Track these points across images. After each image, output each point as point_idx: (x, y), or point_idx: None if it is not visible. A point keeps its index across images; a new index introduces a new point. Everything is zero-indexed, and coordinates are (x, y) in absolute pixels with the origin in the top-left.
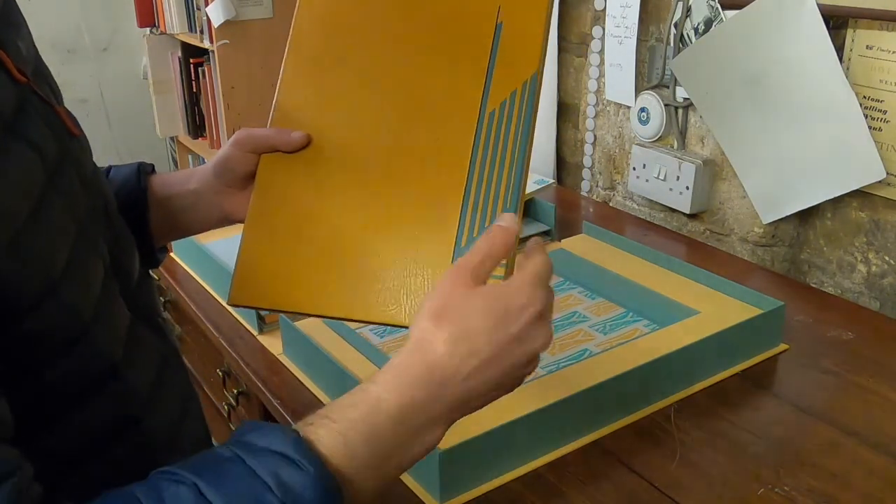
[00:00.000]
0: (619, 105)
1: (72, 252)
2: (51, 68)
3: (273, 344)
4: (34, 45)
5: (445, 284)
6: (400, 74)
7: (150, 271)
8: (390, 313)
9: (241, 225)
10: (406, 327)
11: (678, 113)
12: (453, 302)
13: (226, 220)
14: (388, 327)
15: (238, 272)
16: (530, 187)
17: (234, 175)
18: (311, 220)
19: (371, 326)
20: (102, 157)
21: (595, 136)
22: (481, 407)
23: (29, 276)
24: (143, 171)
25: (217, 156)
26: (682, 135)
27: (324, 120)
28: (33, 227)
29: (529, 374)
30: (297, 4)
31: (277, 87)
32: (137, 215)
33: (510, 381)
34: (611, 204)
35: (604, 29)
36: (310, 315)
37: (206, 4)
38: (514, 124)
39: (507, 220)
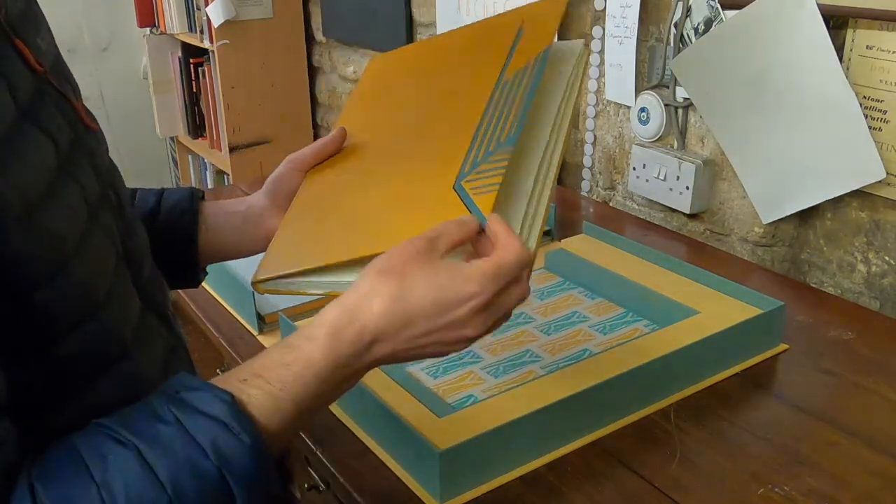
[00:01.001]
0: (619, 105)
1: (84, 232)
2: None
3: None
4: (55, 46)
5: (401, 246)
6: (432, 91)
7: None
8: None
9: None
10: None
11: (678, 113)
12: (402, 262)
13: (267, 241)
14: None
15: (266, 254)
16: None
17: (283, 192)
18: (335, 196)
19: None
20: None
21: (595, 136)
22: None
23: (42, 251)
24: (196, 195)
25: (270, 176)
26: (682, 135)
27: (365, 133)
28: (47, 204)
29: (458, 350)
30: (365, 69)
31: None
32: (187, 236)
33: (434, 353)
34: (611, 204)
35: (604, 29)
36: (320, 267)
37: (206, 4)
38: (525, 81)
39: (470, 219)
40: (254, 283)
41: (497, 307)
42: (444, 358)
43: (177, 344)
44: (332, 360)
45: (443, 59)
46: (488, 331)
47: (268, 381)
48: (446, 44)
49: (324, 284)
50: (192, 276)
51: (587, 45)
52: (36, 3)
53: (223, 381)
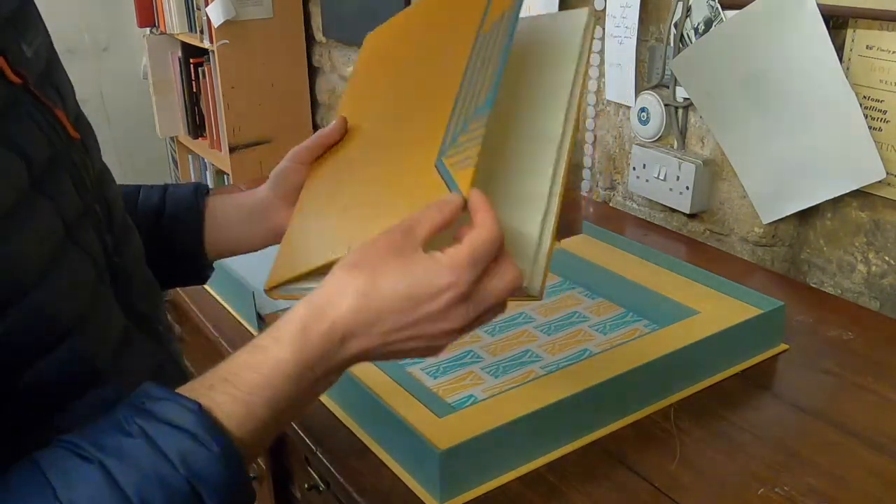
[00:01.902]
0: (619, 105)
1: (54, 254)
2: None
3: None
4: (50, 49)
5: (376, 238)
6: (418, 59)
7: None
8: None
9: None
10: None
11: (678, 113)
12: (374, 255)
13: (273, 235)
14: None
15: (276, 260)
16: None
17: (289, 185)
18: (333, 190)
19: None
20: (102, 157)
21: (595, 136)
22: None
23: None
24: (200, 191)
25: (274, 170)
26: (682, 135)
27: (361, 117)
28: (8, 229)
29: (447, 345)
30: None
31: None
32: (194, 232)
33: (417, 349)
34: (611, 204)
35: (604, 29)
36: (319, 268)
37: (206, 4)
38: (498, 37)
39: (452, 198)
40: (266, 291)
41: (480, 297)
42: (444, 357)
43: (165, 361)
44: (302, 360)
45: (427, 21)
46: (475, 323)
47: (236, 385)
48: (432, 1)
49: None
50: (198, 272)
51: (593, 14)
52: (31, 3)
53: (190, 389)
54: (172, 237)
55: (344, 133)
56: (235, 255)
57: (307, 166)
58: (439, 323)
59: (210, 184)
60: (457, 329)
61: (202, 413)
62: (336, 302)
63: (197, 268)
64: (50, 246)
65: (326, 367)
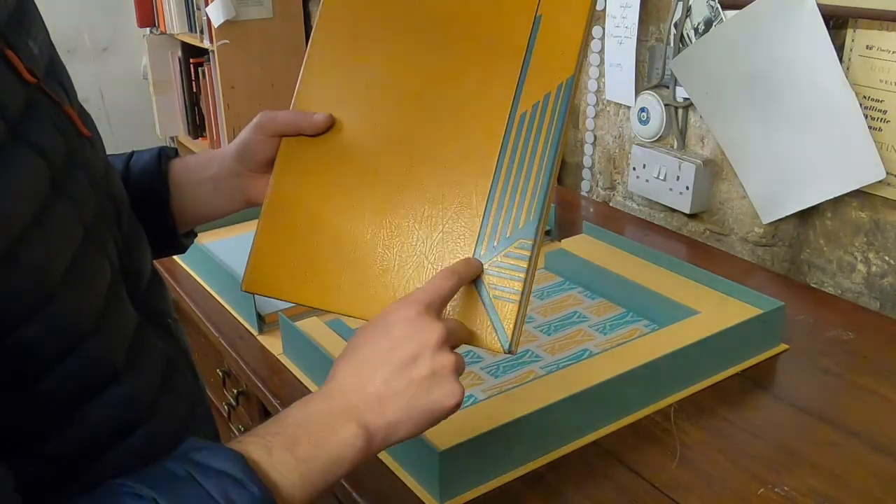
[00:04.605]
0: (619, 105)
1: (75, 257)
2: None
3: (273, 344)
4: (50, 43)
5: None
6: (428, 65)
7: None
8: None
9: (242, 224)
10: None
11: (678, 113)
12: (357, 344)
13: (247, 204)
14: None
15: (252, 259)
16: None
17: (256, 160)
18: (327, 212)
19: None
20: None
21: (595, 136)
22: (405, 420)
23: (23, 287)
24: (165, 155)
25: (238, 139)
26: (682, 135)
27: (346, 108)
28: (33, 236)
29: (447, 368)
30: None
31: (301, 72)
32: (159, 202)
33: (425, 384)
34: (611, 204)
35: (604, 29)
36: (319, 309)
37: (206, 4)
38: (545, 130)
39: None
40: (243, 289)
41: (429, 327)
42: None
43: (176, 356)
44: (305, 408)
45: (433, 19)
46: (447, 340)
47: (260, 436)
48: None
49: None
50: (172, 241)
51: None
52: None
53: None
54: (140, 208)
55: (327, 130)
56: (205, 222)
57: (276, 139)
58: (415, 338)
59: None
60: (435, 341)
61: (243, 459)
62: (334, 377)
63: (170, 237)
64: (72, 248)
65: (333, 411)
